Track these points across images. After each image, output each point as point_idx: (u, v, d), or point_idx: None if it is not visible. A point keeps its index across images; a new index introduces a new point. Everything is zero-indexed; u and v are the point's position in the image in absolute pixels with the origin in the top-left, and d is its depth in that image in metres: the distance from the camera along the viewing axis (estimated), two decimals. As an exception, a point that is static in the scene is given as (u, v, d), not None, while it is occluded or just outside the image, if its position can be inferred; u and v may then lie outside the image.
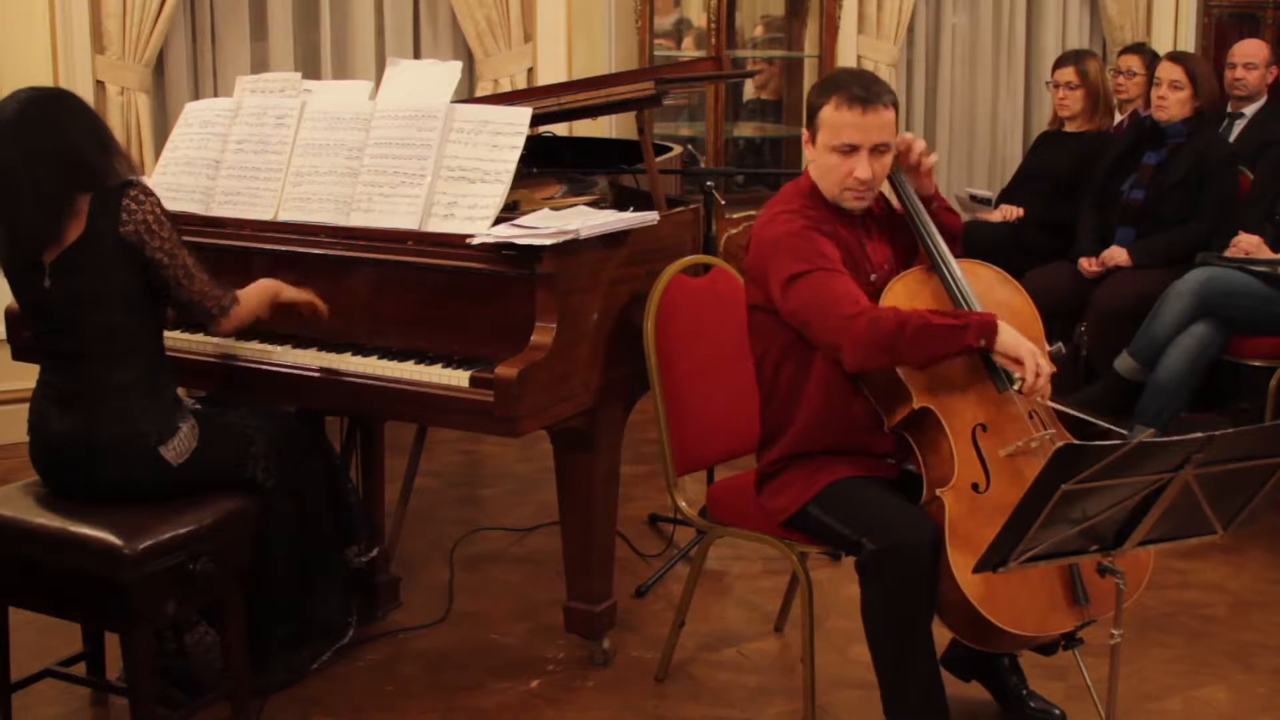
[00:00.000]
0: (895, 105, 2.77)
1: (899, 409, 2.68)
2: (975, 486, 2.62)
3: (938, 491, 2.60)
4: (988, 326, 2.60)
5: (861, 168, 2.72)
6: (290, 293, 3.08)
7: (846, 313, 2.61)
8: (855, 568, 2.63)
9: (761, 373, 2.88)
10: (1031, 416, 2.72)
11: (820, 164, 2.78)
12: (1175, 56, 4.86)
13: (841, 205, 2.79)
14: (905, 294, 2.75)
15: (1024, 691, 2.95)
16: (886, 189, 2.90)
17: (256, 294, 3.00)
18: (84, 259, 2.74)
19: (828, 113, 2.74)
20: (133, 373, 2.80)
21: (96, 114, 2.90)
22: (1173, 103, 4.70)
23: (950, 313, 2.66)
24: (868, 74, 2.91)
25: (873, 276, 2.82)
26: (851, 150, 2.72)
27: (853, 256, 2.80)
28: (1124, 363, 4.52)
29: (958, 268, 2.78)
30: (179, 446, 2.81)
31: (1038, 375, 2.58)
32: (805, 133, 2.82)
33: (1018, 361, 2.59)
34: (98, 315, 2.77)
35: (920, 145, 2.87)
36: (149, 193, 2.79)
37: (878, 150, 2.73)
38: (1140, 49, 5.68)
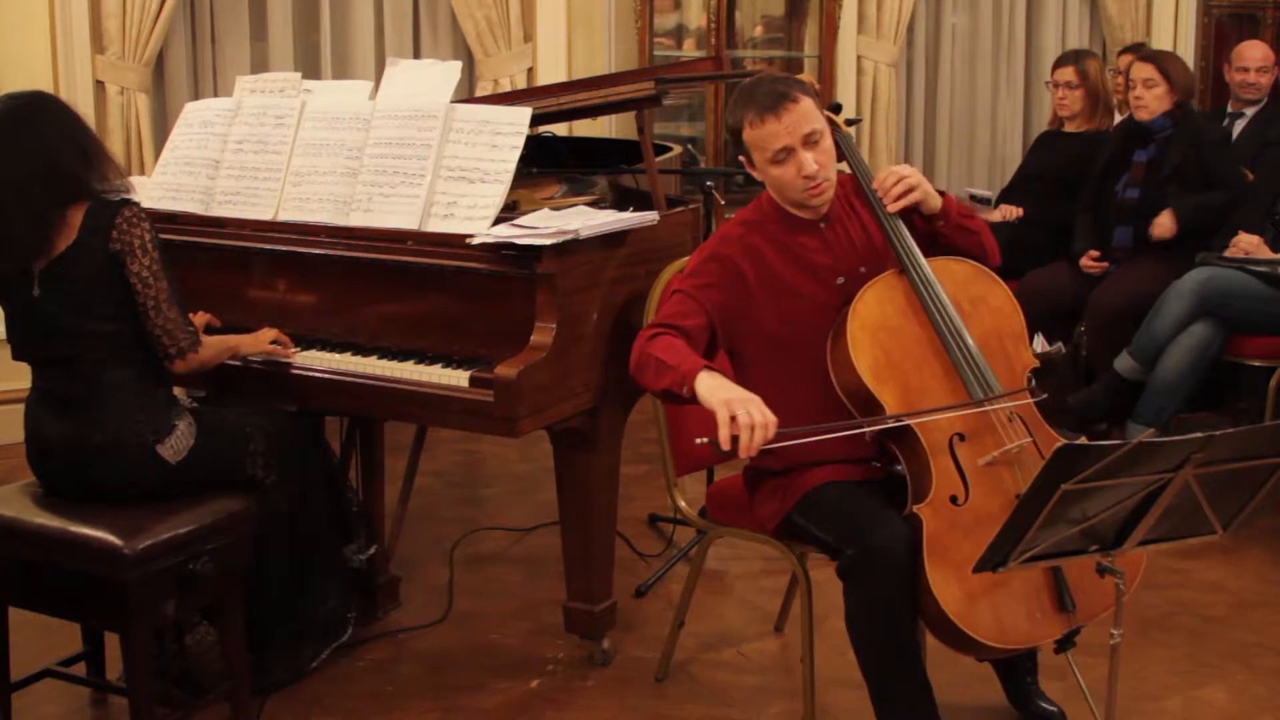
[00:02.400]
0: (807, 92, 2.72)
1: (874, 421, 2.64)
2: (953, 499, 2.57)
3: (915, 508, 2.56)
4: (686, 377, 2.53)
5: (805, 164, 2.68)
6: (248, 348, 3.09)
7: (640, 335, 2.71)
8: (837, 575, 2.61)
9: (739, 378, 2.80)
10: (1011, 420, 2.67)
11: (771, 181, 2.76)
12: (1143, 56, 4.90)
13: (809, 206, 2.76)
14: (876, 301, 2.70)
15: (1034, 688, 2.94)
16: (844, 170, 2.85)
17: (216, 346, 2.99)
18: (73, 269, 2.74)
19: (748, 135, 2.72)
20: (126, 374, 2.80)
21: (79, 118, 2.85)
22: (1150, 100, 4.73)
23: (678, 353, 2.60)
24: (765, 79, 2.81)
25: (840, 280, 2.77)
26: (787, 154, 2.69)
27: (805, 263, 2.77)
28: (1124, 363, 4.52)
29: (928, 267, 2.73)
30: (176, 444, 2.81)
31: (738, 430, 2.39)
32: (743, 160, 2.78)
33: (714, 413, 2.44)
34: (88, 322, 2.76)
35: (890, 183, 2.76)
36: (143, 217, 2.77)
37: (810, 141, 2.69)
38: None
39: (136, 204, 2.79)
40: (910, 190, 2.76)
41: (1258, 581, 3.82)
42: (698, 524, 3.11)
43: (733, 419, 2.41)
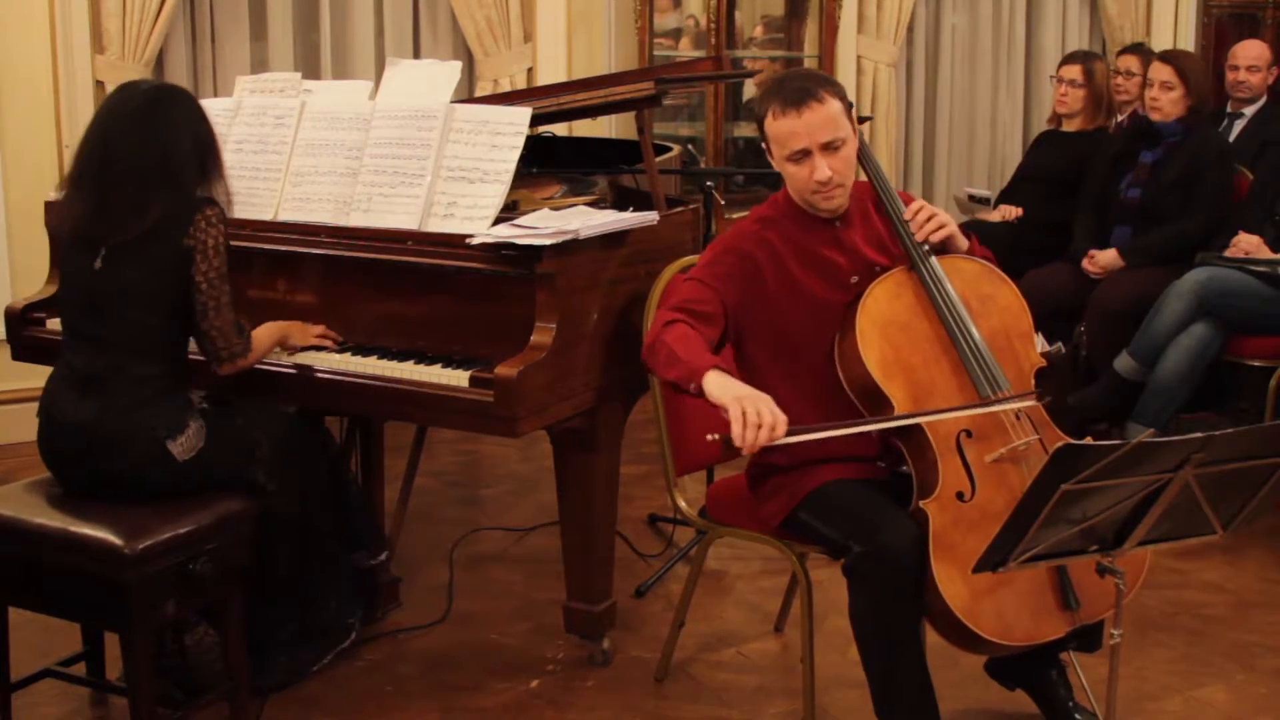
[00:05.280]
0: (838, 94, 2.67)
1: (882, 420, 2.64)
2: (960, 495, 2.58)
3: (921, 504, 2.56)
4: (694, 374, 2.52)
5: (819, 170, 2.66)
6: (298, 338, 3.12)
7: (656, 318, 2.70)
8: (842, 571, 2.61)
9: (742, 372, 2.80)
10: (1019, 418, 2.67)
11: (785, 176, 2.75)
12: (1165, 56, 4.88)
13: (817, 208, 2.76)
14: (885, 296, 2.71)
15: (1071, 703, 2.86)
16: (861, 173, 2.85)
17: (267, 338, 3.03)
18: (141, 254, 2.78)
19: (769, 125, 2.70)
20: (154, 369, 2.82)
21: (210, 125, 2.93)
22: (1165, 102, 4.72)
23: (689, 347, 2.59)
24: (798, 73, 2.78)
25: (854, 279, 2.77)
26: (803, 155, 2.67)
27: (819, 262, 2.77)
28: (1124, 363, 4.52)
29: (938, 265, 2.74)
30: (186, 443, 2.82)
31: (746, 427, 2.39)
32: (764, 148, 2.78)
33: (725, 411, 2.44)
34: (136, 310, 2.79)
35: (923, 216, 2.75)
36: (222, 219, 2.84)
37: (829, 147, 2.66)
38: (1139, 49, 5.68)
39: (219, 206, 2.85)
40: (942, 227, 2.76)
41: (1258, 581, 3.82)
42: (698, 524, 3.10)
43: (744, 415, 2.41)
